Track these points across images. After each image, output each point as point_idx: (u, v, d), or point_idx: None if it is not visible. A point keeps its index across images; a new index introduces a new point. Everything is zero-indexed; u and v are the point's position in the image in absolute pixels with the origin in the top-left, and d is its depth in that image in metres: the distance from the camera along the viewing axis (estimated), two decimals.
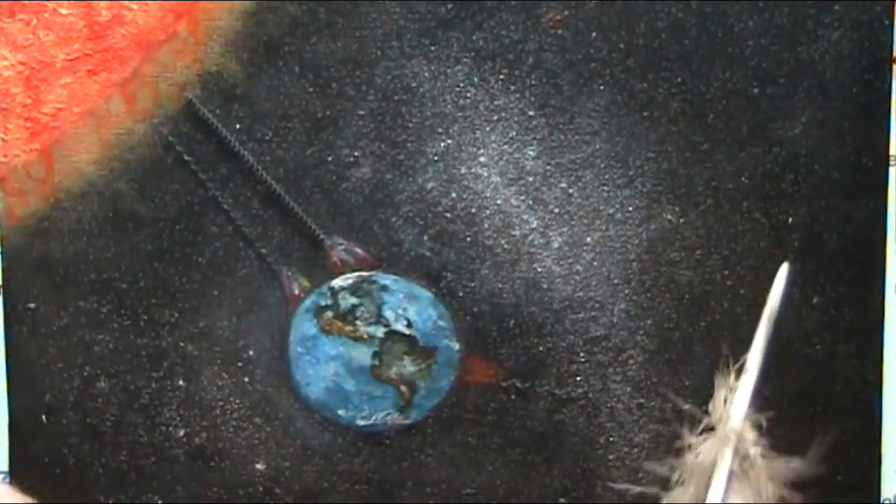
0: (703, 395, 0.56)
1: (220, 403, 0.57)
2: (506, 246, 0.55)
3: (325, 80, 0.54)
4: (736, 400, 0.54)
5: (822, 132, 0.54)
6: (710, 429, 0.55)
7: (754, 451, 0.53)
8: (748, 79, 0.54)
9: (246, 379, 0.57)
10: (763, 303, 0.55)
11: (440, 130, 0.55)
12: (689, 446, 0.54)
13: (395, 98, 0.54)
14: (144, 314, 0.56)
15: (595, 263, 0.56)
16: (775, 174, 0.55)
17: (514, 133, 0.55)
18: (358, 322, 0.56)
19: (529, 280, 0.56)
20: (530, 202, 0.55)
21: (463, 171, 0.55)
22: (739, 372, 0.55)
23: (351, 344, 0.56)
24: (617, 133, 0.54)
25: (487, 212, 0.55)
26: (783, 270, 0.55)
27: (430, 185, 0.55)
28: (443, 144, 0.55)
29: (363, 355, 0.56)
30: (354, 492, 0.57)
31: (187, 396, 0.57)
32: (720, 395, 0.54)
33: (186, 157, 0.55)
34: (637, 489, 0.57)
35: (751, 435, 0.54)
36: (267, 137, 0.55)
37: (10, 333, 0.57)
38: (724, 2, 0.53)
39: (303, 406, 0.57)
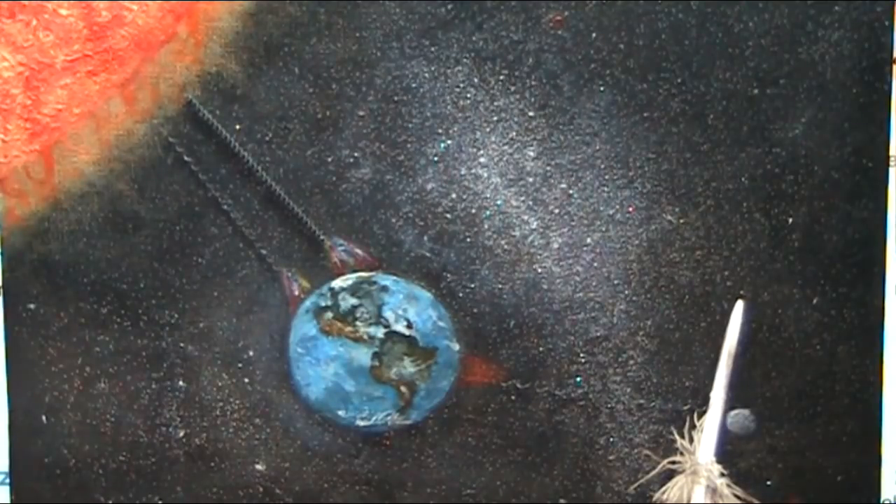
0: (703, 396, 0.56)
1: (220, 404, 0.57)
2: (506, 247, 0.55)
3: (325, 81, 0.54)
4: (702, 437, 0.55)
5: (822, 133, 0.54)
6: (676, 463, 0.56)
7: (721, 483, 0.55)
8: (748, 79, 0.54)
9: (246, 379, 0.57)
10: (763, 304, 0.55)
11: (440, 131, 0.55)
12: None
13: (395, 99, 0.54)
14: (144, 315, 0.56)
15: (595, 264, 0.56)
16: (775, 174, 0.55)
17: (514, 134, 0.55)
18: (358, 323, 0.56)
19: (529, 281, 0.56)
20: (530, 203, 0.55)
21: (463, 171, 0.55)
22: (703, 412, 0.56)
23: (351, 345, 0.56)
24: (617, 134, 0.54)
25: (487, 212, 0.55)
26: (738, 308, 0.55)
27: (430, 186, 0.55)
28: (443, 145, 0.55)
29: (363, 356, 0.56)
30: (354, 492, 0.58)
31: (187, 397, 0.57)
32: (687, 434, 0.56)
33: (186, 158, 0.55)
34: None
35: (717, 469, 0.55)
36: (267, 138, 0.55)
37: (10, 334, 0.57)
38: (724, 2, 0.53)
39: (303, 407, 0.57)
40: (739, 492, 0.56)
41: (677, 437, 0.56)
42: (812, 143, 0.54)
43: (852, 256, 0.55)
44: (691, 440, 0.56)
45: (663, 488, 0.56)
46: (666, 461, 0.56)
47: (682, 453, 0.56)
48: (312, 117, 0.55)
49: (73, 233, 0.56)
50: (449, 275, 0.56)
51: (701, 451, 0.56)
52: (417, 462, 0.57)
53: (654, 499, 0.57)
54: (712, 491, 0.55)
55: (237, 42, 0.54)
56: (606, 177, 0.55)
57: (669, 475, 0.57)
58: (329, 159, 0.55)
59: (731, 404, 0.56)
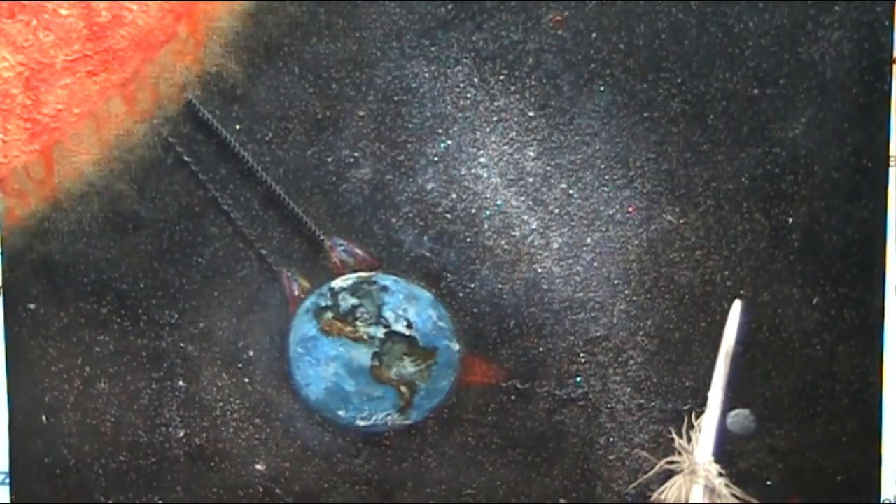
0: (703, 396, 0.56)
1: (220, 404, 0.57)
2: (506, 247, 0.55)
3: (325, 81, 0.54)
4: (700, 437, 0.55)
5: (822, 133, 0.54)
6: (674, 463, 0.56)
7: (719, 483, 0.55)
8: (748, 79, 0.54)
9: (246, 380, 0.57)
10: (763, 304, 0.55)
11: (440, 131, 0.55)
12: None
13: (395, 99, 0.54)
14: (144, 315, 0.56)
15: (595, 264, 0.56)
16: (775, 174, 0.55)
17: (514, 134, 0.55)
18: (358, 323, 0.56)
19: (529, 281, 0.56)
20: (530, 203, 0.55)
21: (463, 171, 0.55)
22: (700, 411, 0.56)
23: (351, 345, 0.56)
24: (617, 134, 0.54)
25: (487, 212, 0.55)
26: (736, 308, 0.55)
27: (430, 186, 0.55)
28: (443, 145, 0.55)
29: (363, 356, 0.56)
30: (354, 492, 0.58)
31: (187, 397, 0.57)
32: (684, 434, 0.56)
33: (186, 158, 0.55)
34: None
35: (715, 468, 0.55)
36: (267, 138, 0.55)
37: (10, 333, 0.57)
38: (724, 2, 0.53)
39: (303, 407, 0.57)
40: (738, 491, 0.56)
41: (675, 436, 0.56)
42: (812, 143, 0.54)
43: (852, 256, 0.55)
44: (689, 440, 0.56)
45: (661, 488, 0.56)
46: (664, 461, 0.56)
47: (680, 453, 0.56)
48: (312, 117, 0.55)
49: (73, 233, 0.56)
50: (449, 275, 0.56)
51: (699, 451, 0.56)
52: (417, 462, 0.57)
53: (652, 499, 0.57)
54: (710, 491, 0.55)
55: (237, 42, 0.54)
56: (606, 177, 0.55)
57: (669, 475, 0.57)
58: (329, 159, 0.55)
59: (730, 404, 0.56)
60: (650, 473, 0.57)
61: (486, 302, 0.56)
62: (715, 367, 0.56)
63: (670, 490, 0.56)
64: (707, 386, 0.56)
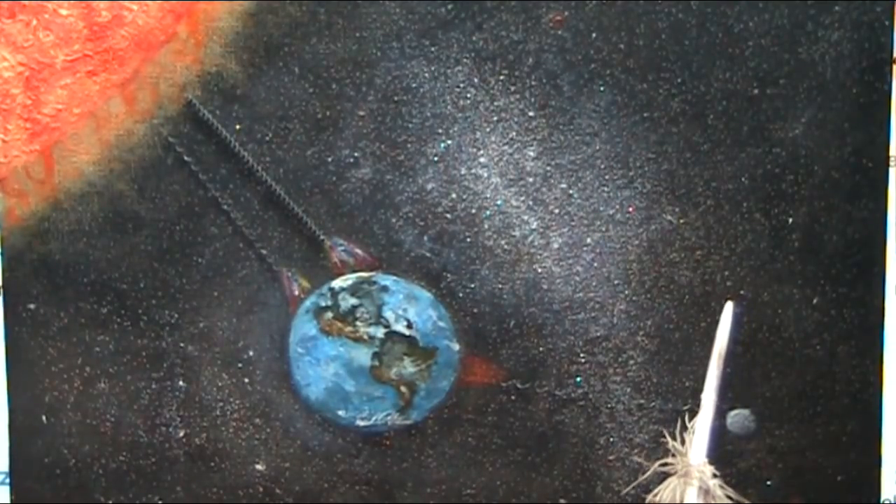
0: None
1: (220, 404, 0.57)
2: (506, 247, 0.55)
3: (325, 81, 0.54)
4: (694, 438, 0.55)
5: (822, 133, 0.54)
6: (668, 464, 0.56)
7: (713, 484, 0.55)
8: (748, 79, 0.54)
9: (246, 380, 0.57)
10: (763, 304, 0.55)
11: (440, 131, 0.55)
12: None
13: (395, 99, 0.54)
14: (144, 315, 0.56)
15: (595, 264, 0.56)
16: (775, 174, 0.55)
17: (514, 134, 0.55)
18: (358, 323, 0.56)
19: (529, 281, 0.56)
20: (530, 203, 0.55)
21: (463, 171, 0.55)
22: (694, 412, 0.56)
23: (351, 344, 0.56)
24: (617, 134, 0.54)
25: (487, 212, 0.55)
26: (728, 309, 0.55)
27: (430, 186, 0.55)
28: (443, 145, 0.55)
29: (363, 356, 0.56)
30: (354, 492, 0.58)
31: (187, 397, 0.57)
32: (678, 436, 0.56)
33: (186, 158, 0.55)
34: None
35: (709, 470, 0.55)
36: (267, 138, 0.55)
37: (10, 333, 0.57)
38: (724, 2, 0.53)
39: (303, 407, 0.57)
40: (732, 492, 0.56)
41: (669, 438, 0.56)
42: (812, 143, 0.54)
43: (852, 256, 0.55)
44: (683, 442, 0.56)
45: (655, 490, 0.56)
46: (657, 463, 0.56)
47: (674, 455, 0.56)
48: (312, 117, 0.55)
49: (73, 233, 0.56)
50: (449, 275, 0.56)
51: (693, 453, 0.56)
52: (417, 462, 0.57)
53: (647, 501, 0.57)
54: (705, 492, 0.55)
55: (237, 42, 0.54)
56: (606, 177, 0.55)
57: (667, 476, 0.57)
58: (329, 159, 0.55)
59: (724, 405, 0.56)
60: (645, 476, 0.57)
61: (486, 302, 0.56)
62: (708, 370, 0.56)
63: (664, 492, 0.56)
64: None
